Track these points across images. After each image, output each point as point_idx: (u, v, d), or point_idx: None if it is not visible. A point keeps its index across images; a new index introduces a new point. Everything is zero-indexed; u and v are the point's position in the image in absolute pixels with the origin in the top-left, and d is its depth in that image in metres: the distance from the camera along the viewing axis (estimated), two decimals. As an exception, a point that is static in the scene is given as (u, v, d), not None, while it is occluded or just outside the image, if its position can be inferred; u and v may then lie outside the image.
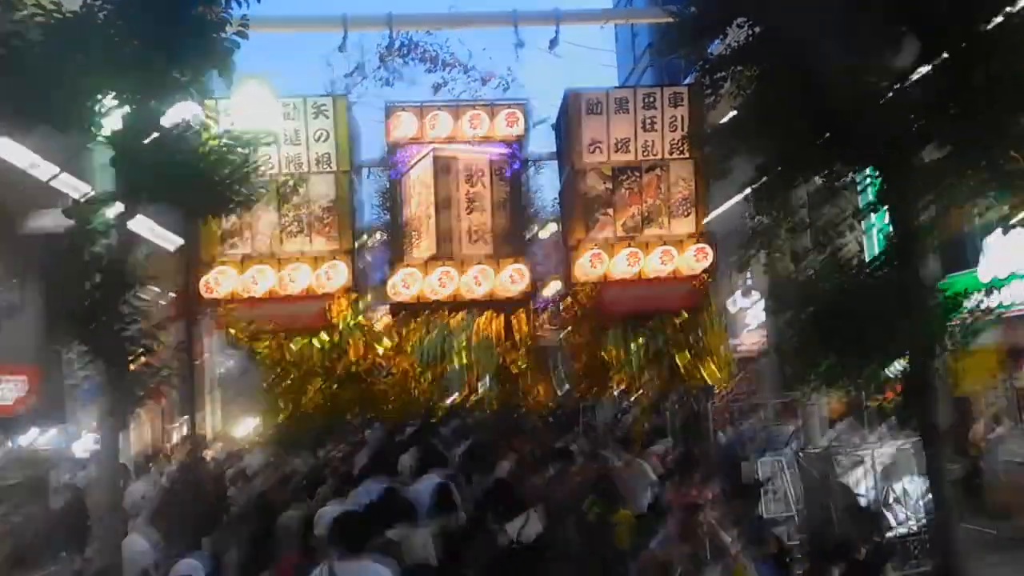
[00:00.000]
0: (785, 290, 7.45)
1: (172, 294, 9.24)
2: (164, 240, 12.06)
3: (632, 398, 17.73)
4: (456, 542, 6.99)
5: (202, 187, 6.05)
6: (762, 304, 22.69)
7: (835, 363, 5.90)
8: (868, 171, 7.36)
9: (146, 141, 5.55)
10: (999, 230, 13.55)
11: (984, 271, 13.95)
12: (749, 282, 24.66)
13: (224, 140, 6.27)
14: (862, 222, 7.48)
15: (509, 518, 6.59)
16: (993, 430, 11.34)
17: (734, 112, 9.11)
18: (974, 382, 12.70)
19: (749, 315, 24.22)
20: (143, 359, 5.38)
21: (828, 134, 6.84)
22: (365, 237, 16.15)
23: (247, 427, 15.82)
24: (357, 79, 15.78)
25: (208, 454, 15.92)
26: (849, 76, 6.23)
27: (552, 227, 19.83)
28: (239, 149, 6.37)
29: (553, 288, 17.87)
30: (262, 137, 8.12)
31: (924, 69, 6.10)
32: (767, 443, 14.44)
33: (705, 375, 11.03)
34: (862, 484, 7.41)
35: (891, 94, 6.20)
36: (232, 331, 10.88)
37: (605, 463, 8.02)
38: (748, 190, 9.78)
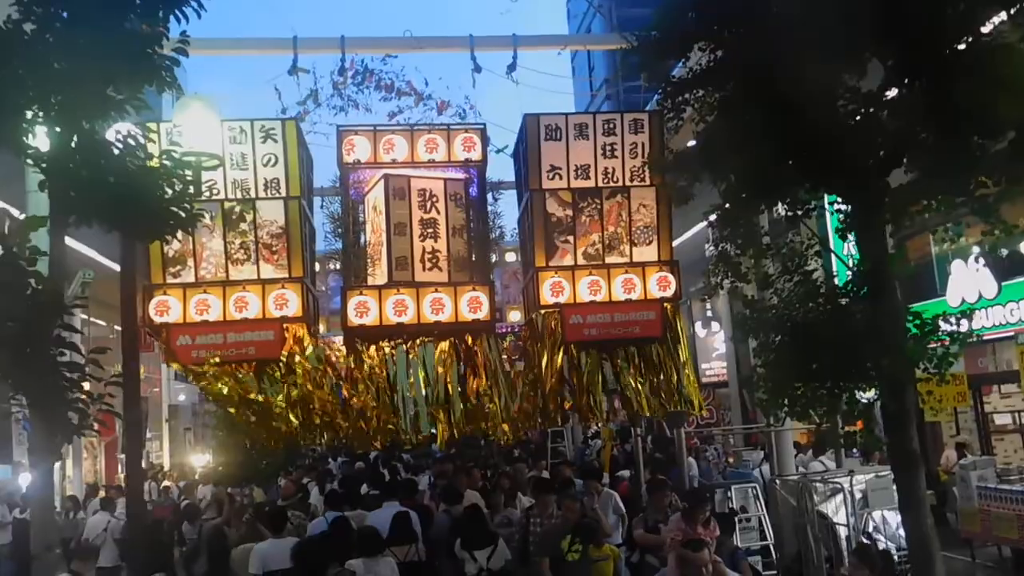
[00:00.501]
0: (752, 317, 7.39)
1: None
2: (114, 266, 11.69)
3: (599, 425, 17.65)
4: (417, 572, 7.12)
5: (139, 208, 5.78)
6: (723, 334, 22.92)
7: (809, 391, 5.85)
8: (833, 197, 7.38)
9: (77, 161, 5.26)
10: (965, 257, 13.87)
11: (952, 297, 14.25)
12: (708, 312, 24.94)
13: (164, 160, 6.01)
14: (830, 248, 7.48)
15: (478, 547, 7.01)
16: (964, 456, 11.45)
17: (696, 138, 9.16)
18: (941, 409, 12.89)
19: (716, 341, 24.46)
20: (77, 391, 5.09)
21: (793, 159, 6.85)
22: (318, 266, 15.89)
23: (204, 458, 15.35)
24: (310, 107, 15.55)
25: (164, 486, 15.54)
26: (815, 100, 6.24)
27: (511, 256, 19.72)
28: (180, 171, 6.14)
29: (515, 317, 17.75)
30: (205, 160, 7.87)
31: (892, 93, 6.13)
32: (736, 470, 14.52)
33: (673, 402, 10.92)
34: (840, 512, 7.34)
35: (858, 118, 6.22)
36: (176, 365, 10.52)
37: (574, 494, 7.93)
38: (711, 217, 9.82)
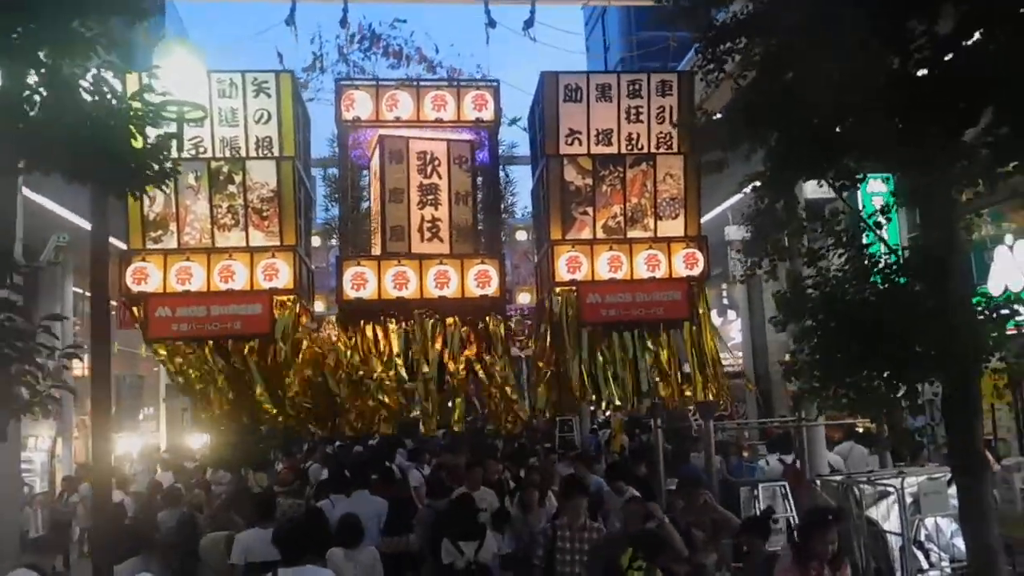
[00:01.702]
0: (796, 298, 6.93)
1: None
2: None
3: (607, 413, 17.29)
4: (406, 564, 7.29)
5: (105, 157, 5.34)
6: (739, 322, 22.44)
7: (863, 380, 5.41)
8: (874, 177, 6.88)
9: (31, 100, 4.81)
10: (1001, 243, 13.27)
11: (995, 285, 13.73)
12: (725, 300, 24.44)
13: (135, 104, 5.56)
14: (888, 222, 7.02)
15: (465, 538, 6.85)
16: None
17: (734, 99, 8.63)
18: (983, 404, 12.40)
19: (732, 329, 23.99)
20: (27, 362, 4.67)
21: (848, 121, 6.39)
22: (318, 241, 15.49)
23: (201, 439, 15.12)
24: (314, 74, 15.08)
25: (156, 468, 15.42)
26: (878, 49, 5.77)
27: (521, 235, 19.23)
28: (157, 118, 5.72)
29: (524, 299, 17.32)
30: (189, 111, 7.41)
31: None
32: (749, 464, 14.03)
33: (697, 391, 10.51)
34: (889, 519, 6.91)
35: (931, 69, 5.74)
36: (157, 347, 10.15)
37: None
38: (747, 188, 9.30)
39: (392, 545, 7.50)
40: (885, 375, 5.42)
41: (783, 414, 20.33)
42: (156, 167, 5.68)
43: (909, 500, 6.70)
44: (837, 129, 6.75)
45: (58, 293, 16.64)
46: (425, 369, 10.60)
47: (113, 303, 10.60)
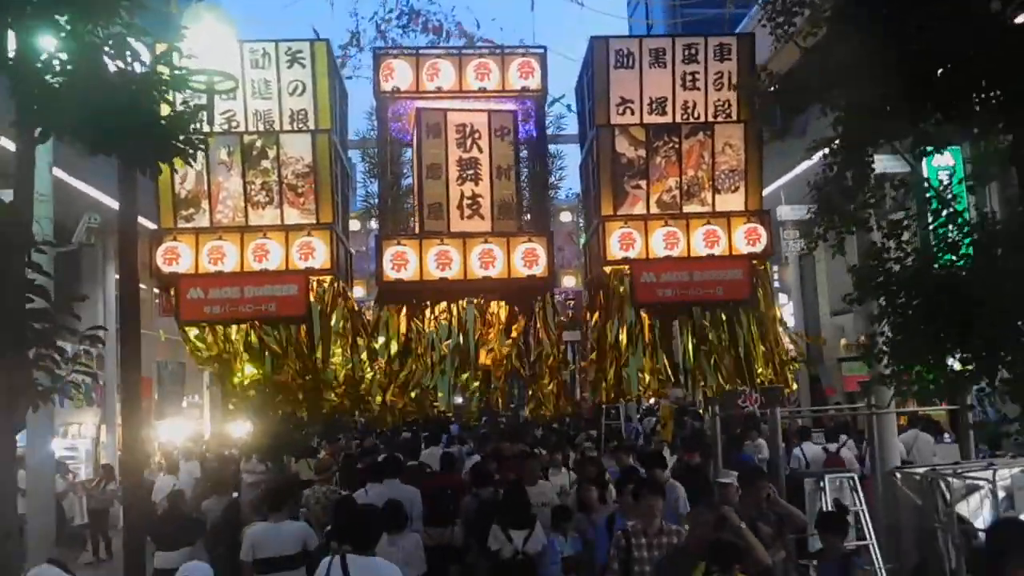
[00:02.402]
0: (875, 274, 6.55)
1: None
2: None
3: (651, 400, 16.96)
4: (451, 556, 7.36)
5: (129, 127, 5.16)
6: (791, 305, 21.85)
7: (962, 363, 5.04)
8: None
9: (50, 65, 4.64)
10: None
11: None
12: (776, 282, 23.82)
13: (162, 71, 5.37)
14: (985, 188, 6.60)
15: (516, 526, 6.86)
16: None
17: (805, 55, 8.26)
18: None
19: (783, 313, 23.37)
20: (47, 346, 4.51)
21: (940, 71, 5.98)
22: (358, 224, 15.34)
23: (244, 427, 15.30)
24: (352, 51, 14.81)
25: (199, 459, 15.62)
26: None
27: (565, 216, 18.89)
28: (184, 86, 5.55)
29: (569, 283, 16.98)
30: (219, 81, 7.21)
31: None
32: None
33: (763, 376, 10.12)
34: (980, 515, 6.50)
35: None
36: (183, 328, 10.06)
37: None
38: (816, 155, 8.91)
39: (435, 537, 7.43)
40: (983, 355, 5.05)
41: (837, 401, 19.83)
42: (183, 137, 5.50)
43: (1002, 495, 6.30)
44: (917, 89, 6.35)
45: (99, 277, 16.80)
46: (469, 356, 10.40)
47: (156, 290, 10.55)
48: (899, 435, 15.38)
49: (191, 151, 5.69)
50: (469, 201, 10.74)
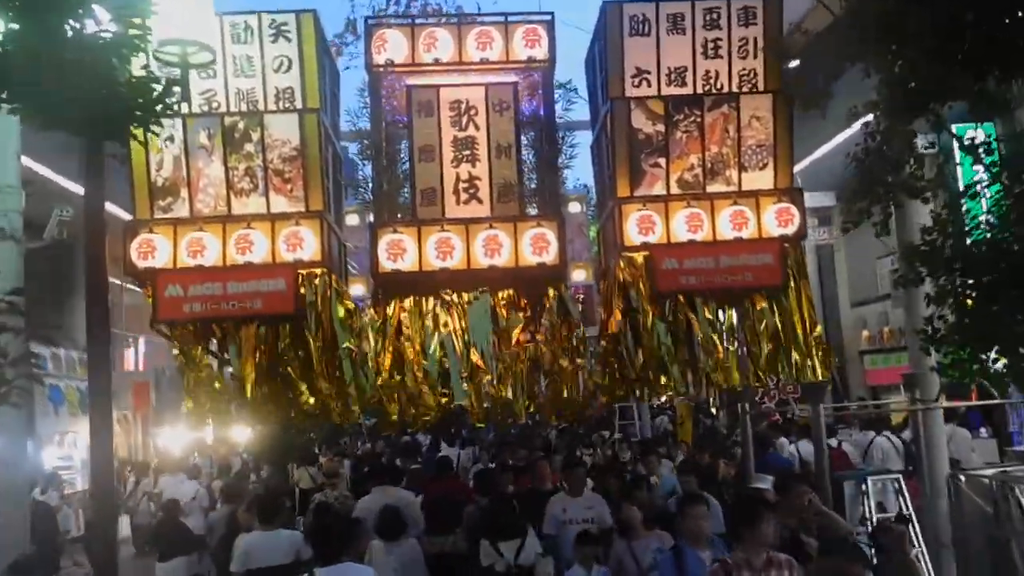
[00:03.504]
0: (935, 251, 6.07)
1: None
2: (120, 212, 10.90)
3: (663, 398, 16.60)
4: (455, 564, 7.51)
5: (86, 98, 4.74)
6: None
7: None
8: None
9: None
10: None
11: None
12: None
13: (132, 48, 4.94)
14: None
15: (504, 537, 6.87)
16: None
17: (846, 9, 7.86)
18: None
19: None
20: None
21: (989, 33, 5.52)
22: (356, 219, 14.95)
23: (246, 432, 15.24)
24: (348, 39, 14.28)
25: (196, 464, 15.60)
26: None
27: (574, 207, 18.42)
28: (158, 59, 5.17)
29: (579, 277, 16.53)
30: (193, 52, 6.72)
31: None
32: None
33: (804, 370, 9.64)
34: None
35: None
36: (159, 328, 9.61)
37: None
38: (856, 123, 8.47)
39: (437, 545, 7.56)
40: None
41: (861, 396, 19.37)
42: (141, 102, 5.06)
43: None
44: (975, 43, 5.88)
45: (77, 274, 16.49)
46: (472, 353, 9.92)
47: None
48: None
49: (154, 122, 5.26)
50: (466, 184, 10.29)
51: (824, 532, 6.55)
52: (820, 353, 9.93)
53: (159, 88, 5.37)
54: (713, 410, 22.14)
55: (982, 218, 5.92)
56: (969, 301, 5.60)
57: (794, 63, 10.92)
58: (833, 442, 13.69)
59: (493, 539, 6.90)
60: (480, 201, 10.24)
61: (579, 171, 39.89)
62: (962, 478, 6.77)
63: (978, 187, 5.85)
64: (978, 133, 10.99)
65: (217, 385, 9.73)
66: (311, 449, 14.94)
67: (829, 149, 16.20)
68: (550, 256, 9.79)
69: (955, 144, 7.47)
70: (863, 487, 9.88)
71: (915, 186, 6.76)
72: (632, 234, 10.01)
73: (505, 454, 10.82)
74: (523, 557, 6.80)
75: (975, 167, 6.68)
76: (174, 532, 8.72)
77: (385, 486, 8.31)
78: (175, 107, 5.40)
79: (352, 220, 15.41)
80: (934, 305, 6.11)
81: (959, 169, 8.51)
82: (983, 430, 14.95)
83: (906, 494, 9.97)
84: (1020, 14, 5.72)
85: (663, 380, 10.01)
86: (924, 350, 5.97)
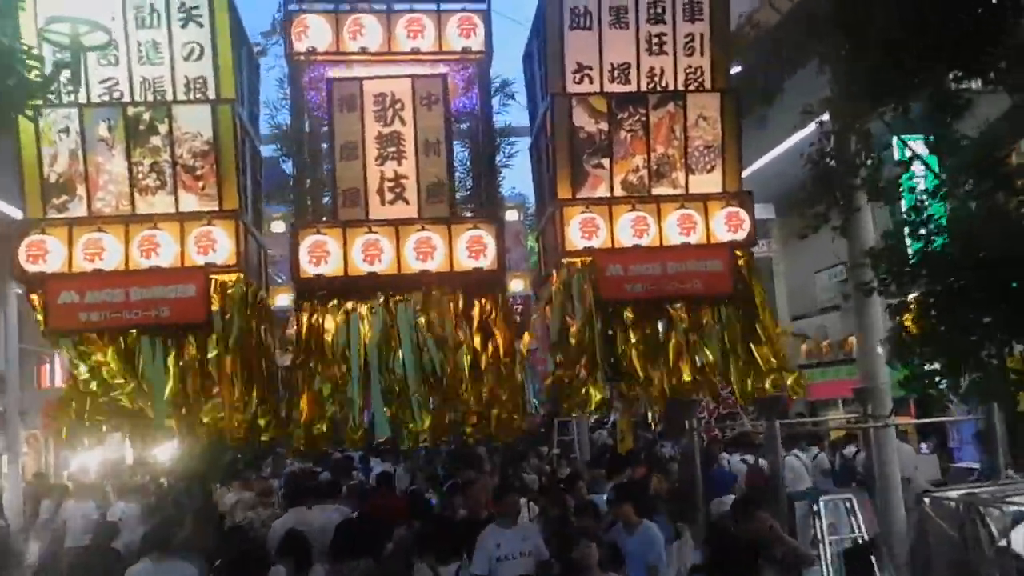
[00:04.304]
0: (900, 256, 5.82)
1: None
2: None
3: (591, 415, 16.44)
4: None
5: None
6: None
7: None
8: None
9: None
10: None
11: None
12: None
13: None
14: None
15: (443, 561, 6.69)
16: None
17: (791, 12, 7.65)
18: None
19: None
20: None
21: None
22: (281, 227, 14.48)
23: (170, 449, 14.69)
24: (273, 40, 13.46)
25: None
26: None
27: (511, 215, 18.07)
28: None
29: (517, 287, 16.19)
30: (86, 30, 6.11)
31: None
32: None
33: (763, 382, 9.39)
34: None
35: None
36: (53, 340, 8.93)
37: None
38: (811, 124, 8.29)
39: (338, 573, 6.85)
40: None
41: (800, 412, 19.40)
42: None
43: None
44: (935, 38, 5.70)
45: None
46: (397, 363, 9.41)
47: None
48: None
49: (35, 106, 4.73)
50: (391, 183, 9.80)
51: (788, 561, 6.25)
52: (780, 364, 9.71)
53: (38, 66, 4.81)
54: (652, 424, 22.04)
55: (943, 222, 5.73)
56: (933, 311, 5.36)
57: (742, 64, 10.76)
58: (749, 459, 13.81)
59: (431, 562, 6.70)
60: (407, 202, 9.77)
61: (515, 180, 39.36)
62: (926, 500, 6.52)
63: (944, 189, 5.61)
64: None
65: (126, 402, 9.02)
66: (236, 468, 14.43)
67: (768, 160, 16.11)
68: (487, 260, 9.35)
69: (913, 147, 7.35)
70: (814, 507, 9.67)
71: (877, 187, 6.53)
72: (574, 238, 9.65)
73: (457, 474, 10.20)
74: None
75: (936, 170, 6.53)
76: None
77: (323, 504, 8.42)
78: (63, 94, 4.84)
79: (279, 227, 14.90)
80: (894, 316, 5.89)
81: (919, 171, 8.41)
82: (923, 446, 15.02)
83: (859, 515, 9.78)
84: (984, 13, 5.54)
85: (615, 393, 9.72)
86: (890, 364, 5.71)
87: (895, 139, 7.57)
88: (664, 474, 11.23)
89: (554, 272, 10.23)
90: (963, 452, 17.05)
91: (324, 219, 9.77)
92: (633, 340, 9.64)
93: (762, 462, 12.74)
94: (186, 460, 12.41)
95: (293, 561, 6.34)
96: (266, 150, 10.93)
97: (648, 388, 9.62)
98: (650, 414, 11.74)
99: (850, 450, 15.21)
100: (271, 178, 14.39)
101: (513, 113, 13.45)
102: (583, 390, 9.51)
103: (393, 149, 9.83)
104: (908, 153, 7.41)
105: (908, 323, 5.72)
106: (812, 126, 9.33)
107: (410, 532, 7.94)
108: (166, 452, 15.08)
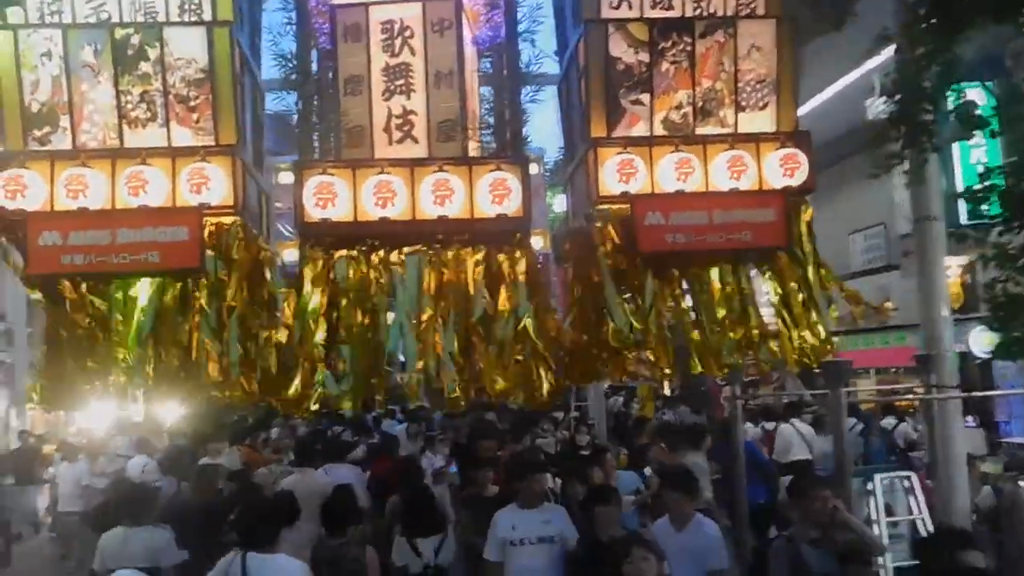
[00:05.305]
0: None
1: None
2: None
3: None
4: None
5: None
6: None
7: None
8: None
9: None
10: None
11: None
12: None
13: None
14: None
15: (423, 534, 6.74)
16: None
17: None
18: None
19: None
20: None
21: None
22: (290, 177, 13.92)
23: (176, 410, 14.82)
24: None
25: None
26: None
27: (532, 168, 17.47)
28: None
29: (537, 244, 15.66)
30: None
31: None
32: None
33: (813, 345, 8.76)
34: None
35: None
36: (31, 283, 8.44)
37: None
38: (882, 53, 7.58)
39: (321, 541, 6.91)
40: None
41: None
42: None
43: None
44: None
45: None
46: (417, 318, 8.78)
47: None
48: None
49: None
50: (399, 120, 9.22)
51: (853, 547, 5.65)
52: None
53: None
54: (668, 393, 21.89)
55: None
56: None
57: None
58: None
59: (411, 535, 6.76)
60: (415, 140, 9.21)
61: (532, 132, 38.65)
62: (1021, 484, 5.88)
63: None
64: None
65: (121, 354, 8.52)
66: (244, 427, 14.29)
67: (815, 105, 15.29)
68: (513, 205, 8.67)
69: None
70: (868, 486, 9.11)
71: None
72: (609, 182, 8.96)
73: (479, 446, 9.59)
74: (443, 556, 6.68)
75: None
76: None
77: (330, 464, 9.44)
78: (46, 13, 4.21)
79: (287, 178, 14.34)
80: (995, 266, 5.22)
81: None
82: (969, 419, 14.52)
83: (918, 494, 9.23)
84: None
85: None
86: (990, 325, 5.07)
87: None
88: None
89: (583, 221, 9.55)
90: (1012, 426, 16.53)
91: (330, 159, 9.16)
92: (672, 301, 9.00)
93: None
94: (191, 420, 12.47)
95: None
96: (274, 104, 10.28)
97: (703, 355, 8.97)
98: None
99: (888, 422, 14.70)
100: (281, 130, 13.94)
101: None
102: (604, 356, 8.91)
103: (401, 82, 9.26)
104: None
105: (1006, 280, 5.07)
106: (854, 73, 8.60)
107: (400, 502, 7.89)
108: (173, 411, 15.47)
